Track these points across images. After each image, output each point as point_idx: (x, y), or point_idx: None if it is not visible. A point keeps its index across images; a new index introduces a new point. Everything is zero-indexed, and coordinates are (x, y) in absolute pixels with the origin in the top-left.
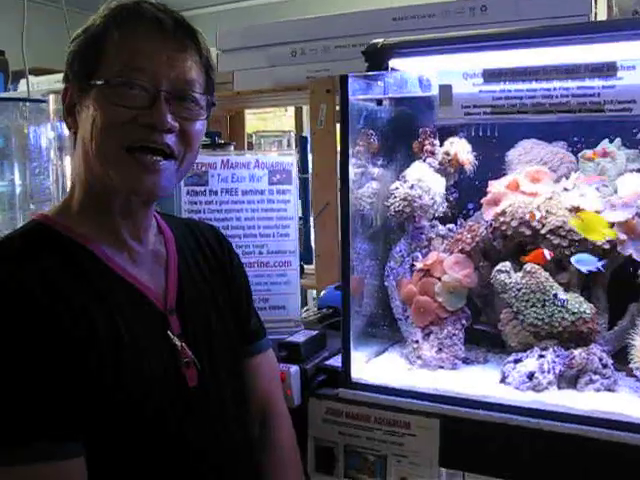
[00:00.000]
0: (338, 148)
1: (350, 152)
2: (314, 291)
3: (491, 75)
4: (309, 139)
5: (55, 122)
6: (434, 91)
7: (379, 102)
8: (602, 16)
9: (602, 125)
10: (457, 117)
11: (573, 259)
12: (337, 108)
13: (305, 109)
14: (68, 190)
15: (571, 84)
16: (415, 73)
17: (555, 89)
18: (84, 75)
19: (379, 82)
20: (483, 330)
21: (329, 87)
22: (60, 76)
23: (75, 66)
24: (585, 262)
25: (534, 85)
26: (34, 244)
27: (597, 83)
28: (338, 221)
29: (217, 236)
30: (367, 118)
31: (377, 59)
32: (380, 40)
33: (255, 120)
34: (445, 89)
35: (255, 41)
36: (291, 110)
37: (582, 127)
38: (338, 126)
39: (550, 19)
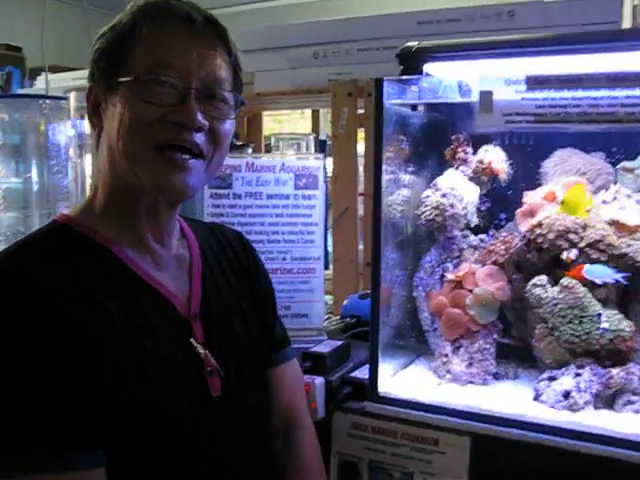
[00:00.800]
0: (359, 151)
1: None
2: (330, 297)
3: (535, 82)
4: (328, 142)
5: (76, 119)
6: (471, 97)
7: (413, 107)
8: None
9: None
10: (498, 125)
11: (585, 270)
12: (359, 112)
13: (322, 112)
14: (90, 190)
15: (619, 93)
16: (452, 78)
17: (602, 98)
18: (112, 73)
19: (413, 86)
20: (511, 345)
21: (351, 90)
22: (77, 73)
23: (102, 64)
24: (598, 274)
25: (580, 93)
26: (58, 244)
27: None
28: (357, 226)
29: (241, 241)
30: (399, 123)
31: (411, 63)
32: (415, 43)
33: (271, 122)
34: (486, 95)
35: (276, 42)
36: (308, 113)
37: (621, 137)
38: (359, 130)
39: (579, 26)
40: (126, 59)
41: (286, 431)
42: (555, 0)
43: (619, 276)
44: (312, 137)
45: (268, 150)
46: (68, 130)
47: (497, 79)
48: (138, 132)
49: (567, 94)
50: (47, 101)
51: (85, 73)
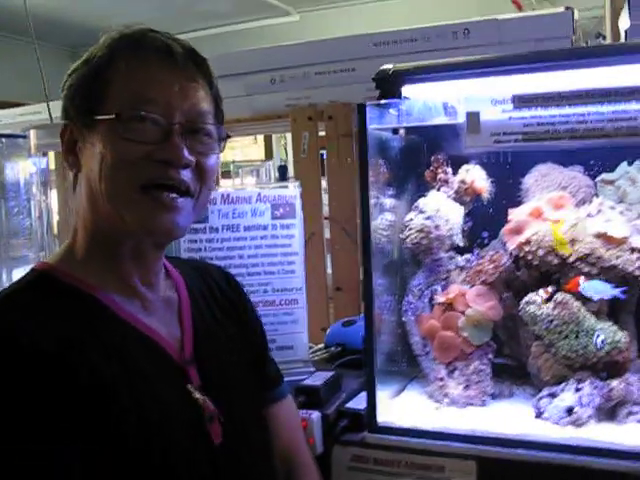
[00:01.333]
0: (324, 177)
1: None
2: None
3: (521, 100)
4: (290, 168)
5: (38, 157)
6: (457, 118)
7: (395, 131)
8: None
9: (619, 148)
10: (486, 145)
11: (582, 287)
12: (320, 134)
13: (275, 137)
14: (70, 235)
15: (605, 108)
16: (432, 100)
17: (589, 114)
18: (88, 110)
19: (392, 110)
20: (504, 363)
21: (311, 114)
22: (23, 109)
23: (77, 101)
24: (596, 290)
25: (567, 110)
26: (41, 296)
27: (634, 107)
28: (324, 251)
29: (227, 277)
30: (379, 147)
31: (389, 86)
32: (390, 66)
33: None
34: (473, 116)
35: (232, 69)
36: (260, 138)
37: (598, 151)
38: (322, 153)
39: (533, 42)
40: (103, 95)
41: (288, 471)
42: (509, 18)
43: (617, 291)
44: (271, 163)
45: (227, 177)
46: (29, 168)
47: (481, 99)
48: (121, 172)
49: (554, 111)
50: (3, 139)
51: (32, 109)
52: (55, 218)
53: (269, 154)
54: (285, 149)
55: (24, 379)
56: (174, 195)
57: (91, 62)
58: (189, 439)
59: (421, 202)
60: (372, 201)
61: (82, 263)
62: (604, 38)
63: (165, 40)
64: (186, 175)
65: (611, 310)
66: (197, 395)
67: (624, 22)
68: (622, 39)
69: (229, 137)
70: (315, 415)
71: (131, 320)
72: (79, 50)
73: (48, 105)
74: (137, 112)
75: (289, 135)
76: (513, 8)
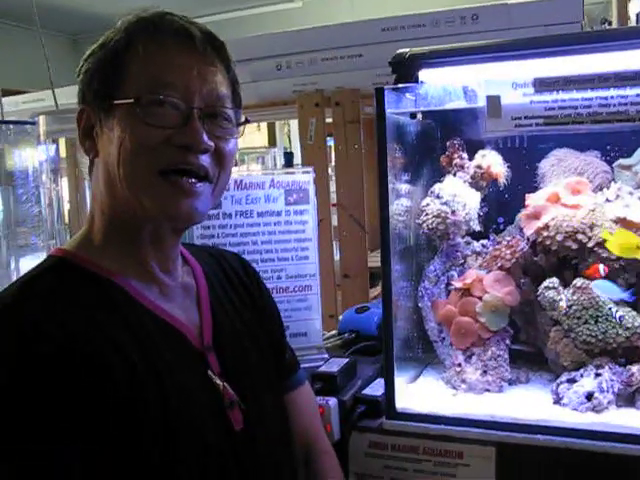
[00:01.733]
0: (332, 163)
1: (387, 169)
2: None
3: (543, 84)
4: (298, 154)
5: (47, 144)
6: (477, 102)
7: (412, 116)
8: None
9: (635, 133)
10: (507, 129)
11: (593, 284)
12: (327, 121)
13: (278, 124)
14: (86, 220)
15: (629, 92)
16: (450, 84)
17: (612, 97)
18: (106, 94)
19: (408, 94)
20: (521, 350)
21: (318, 101)
22: (26, 97)
23: (94, 85)
24: (606, 290)
25: (590, 94)
26: (61, 281)
27: None
28: (332, 238)
29: (243, 264)
30: (395, 132)
31: (405, 70)
32: (407, 50)
33: None
34: (493, 100)
35: (237, 55)
36: (263, 125)
37: (615, 135)
38: (329, 140)
39: (542, 27)
40: (121, 79)
41: (306, 457)
42: (518, 2)
43: (626, 295)
44: (276, 150)
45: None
46: (39, 155)
47: (501, 82)
48: (141, 157)
49: (576, 95)
50: (11, 126)
51: (36, 96)
52: (66, 206)
53: (272, 141)
54: (289, 136)
55: (46, 367)
56: (193, 180)
57: (108, 46)
58: (210, 425)
59: (437, 187)
60: (389, 187)
61: (100, 248)
62: (610, 24)
63: (183, 23)
64: (205, 160)
65: None
66: (217, 381)
67: (635, 6)
68: (632, 24)
69: (248, 122)
70: (332, 402)
71: (150, 306)
72: (81, 38)
73: (53, 92)
74: (156, 96)
75: (293, 122)
76: None
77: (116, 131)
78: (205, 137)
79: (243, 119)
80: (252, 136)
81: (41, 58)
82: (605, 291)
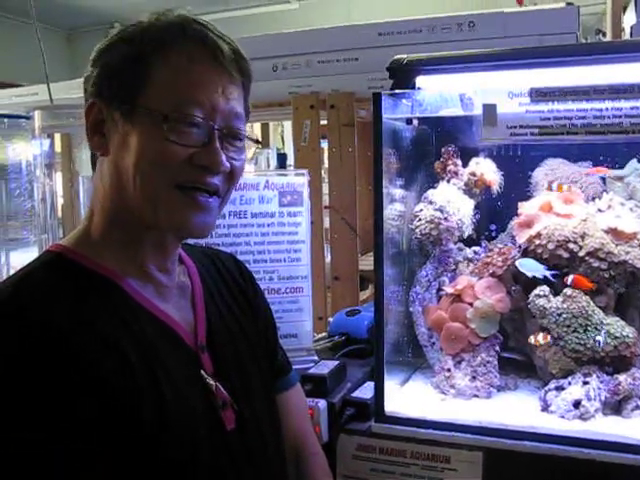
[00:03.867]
0: (325, 165)
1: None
2: None
3: (539, 94)
4: (291, 156)
5: (42, 138)
6: (468, 110)
7: (408, 121)
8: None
9: (628, 144)
10: (502, 138)
11: (518, 262)
12: (322, 123)
13: (272, 125)
14: (85, 215)
15: (623, 104)
16: (446, 91)
17: (607, 109)
18: (127, 96)
19: (405, 100)
20: (510, 357)
21: (313, 103)
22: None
23: (114, 82)
24: (529, 268)
25: (584, 105)
26: (57, 277)
27: None
28: (323, 240)
29: (237, 265)
30: (391, 137)
31: (403, 76)
32: (404, 56)
33: None
34: (490, 108)
35: None
36: (256, 126)
37: (607, 147)
38: (323, 143)
39: (538, 36)
40: (146, 84)
41: (296, 459)
42: (515, 11)
43: (548, 273)
44: (270, 151)
45: None
46: (34, 149)
47: (497, 91)
48: (160, 171)
49: (571, 106)
50: (5, 120)
51: (29, 90)
52: (59, 201)
53: (266, 143)
54: (282, 137)
55: (42, 362)
56: (207, 196)
57: (133, 43)
58: (203, 425)
59: (431, 193)
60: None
61: (98, 246)
62: (604, 35)
63: (215, 39)
64: (218, 180)
65: (618, 305)
66: (210, 381)
67: (630, 19)
68: (627, 36)
69: (260, 143)
70: (321, 404)
71: (146, 304)
72: (75, 32)
73: (48, 87)
74: (184, 114)
75: (286, 123)
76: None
77: (135, 138)
78: (224, 159)
79: (255, 138)
80: None
81: (35, 52)
82: (529, 269)
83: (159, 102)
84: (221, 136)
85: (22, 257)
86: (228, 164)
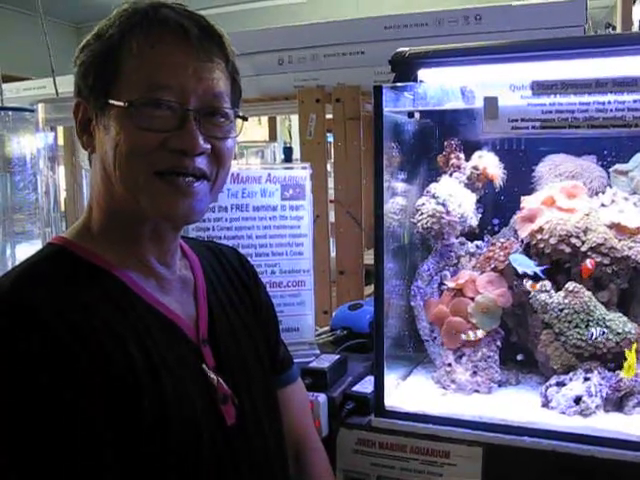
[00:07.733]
0: (331, 159)
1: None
2: None
3: (541, 87)
4: (295, 150)
5: (46, 131)
6: (470, 103)
7: (410, 115)
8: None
9: (633, 138)
10: (504, 131)
11: (510, 257)
12: (328, 117)
13: (279, 119)
14: (85, 210)
15: (627, 97)
16: (448, 84)
17: (609, 102)
18: (101, 91)
19: (407, 93)
20: (512, 352)
21: (319, 96)
22: (27, 84)
23: (90, 80)
24: (520, 263)
25: (587, 98)
26: (60, 269)
27: None
28: (328, 234)
29: (240, 260)
30: (392, 131)
31: (404, 69)
32: (406, 49)
33: None
34: (491, 101)
35: (239, 48)
36: (264, 120)
37: (612, 141)
38: (329, 136)
39: (545, 29)
40: (115, 77)
41: (297, 454)
42: (522, 4)
43: (538, 269)
44: (276, 145)
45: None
46: (38, 142)
47: (499, 84)
48: (136, 160)
49: (573, 99)
50: (10, 113)
51: (37, 83)
52: (63, 194)
53: (273, 136)
54: (289, 131)
55: (43, 354)
56: (190, 179)
57: (102, 38)
58: (203, 419)
59: (433, 187)
60: (384, 184)
61: (98, 239)
62: (614, 28)
63: (179, 19)
64: (201, 162)
65: (621, 301)
66: (212, 375)
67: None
68: (636, 29)
69: (245, 119)
70: (321, 397)
71: (147, 298)
72: (84, 26)
73: (54, 80)
74: (150, 99)
75: (294, 117)
76: None
77: (111, 132)
78: (201, 140)
79: (241, 114)
80: (253, 130)
81: (43, 45)
82: (520, 264)
83: (128, 92)
84: (198, 117)
85: (27, 250)
86: (208, 145)
